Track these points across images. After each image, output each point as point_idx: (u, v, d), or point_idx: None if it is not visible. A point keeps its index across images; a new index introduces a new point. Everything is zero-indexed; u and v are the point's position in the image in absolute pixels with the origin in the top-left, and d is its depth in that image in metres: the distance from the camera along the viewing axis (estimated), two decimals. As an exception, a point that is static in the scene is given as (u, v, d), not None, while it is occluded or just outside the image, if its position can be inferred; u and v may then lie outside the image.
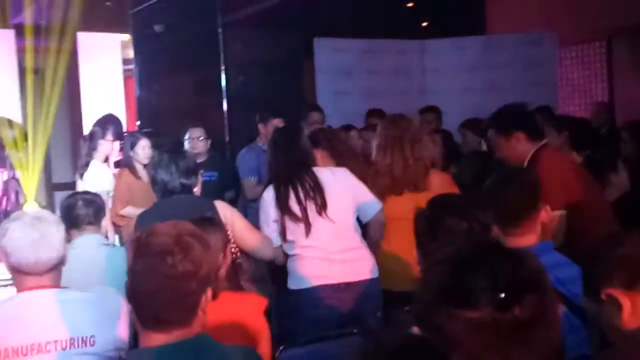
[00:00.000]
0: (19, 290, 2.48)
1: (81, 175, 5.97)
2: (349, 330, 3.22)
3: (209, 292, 1.87)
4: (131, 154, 5.71)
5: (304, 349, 2.95)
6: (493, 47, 8.65)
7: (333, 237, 3.88)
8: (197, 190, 3.73)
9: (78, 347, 2.37)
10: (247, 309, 2.72)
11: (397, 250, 4.02)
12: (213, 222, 2.81)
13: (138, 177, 5.71)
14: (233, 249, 3.54)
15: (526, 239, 2.52)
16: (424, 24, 10.65)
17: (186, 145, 6.12)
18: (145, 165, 5.72)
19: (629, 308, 1.72)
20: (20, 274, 2.45)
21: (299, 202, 3.86)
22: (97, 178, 5.86)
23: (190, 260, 1.80)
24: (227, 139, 8.05)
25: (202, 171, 4.04)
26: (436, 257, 1.39)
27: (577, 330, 2.27)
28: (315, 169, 4.00)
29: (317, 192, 3.88)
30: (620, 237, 1.86)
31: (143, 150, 5.71)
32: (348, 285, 3.81)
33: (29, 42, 10.73)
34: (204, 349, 1.85)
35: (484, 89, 8.45)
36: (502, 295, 1.25)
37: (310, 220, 3.86)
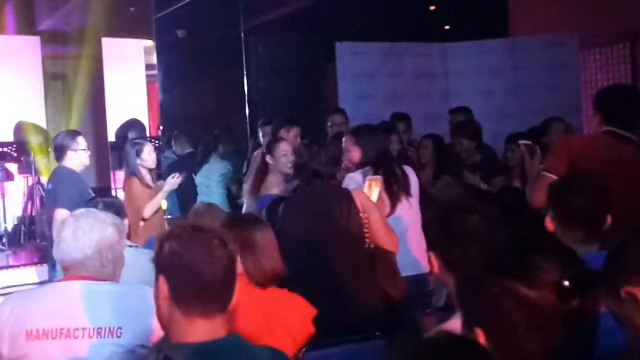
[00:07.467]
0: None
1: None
2: (371, 334, 3.22)
3: (238, 284, 1.94)
4: (138, 161, 5.71)
5: (328, 350, 2.96)
6: (515, 50, 8.61)
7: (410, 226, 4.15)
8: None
9: (105, 337, 2.44)
10: (294, 311, 2.83)
11: None
12: (257, 221, 2.96)
13: (147, 186, 5.75)
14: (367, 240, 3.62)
15: None
16: (447, 27, 10.64)
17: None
18: (151, 170, 5.80)
19: (647, 307, 1.71)
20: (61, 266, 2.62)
21: (390, 188, 4.13)
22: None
23: (232, 243, 1.90)
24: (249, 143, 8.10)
25: None
26: (494, 236, 1.42)
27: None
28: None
29: (406, 183, 4.24)
30: None
31: (150, 154, 5.74)
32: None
33: (54, 48, 10.92)
34: (235, 348, 1.89)
35: (507, 92, 8.42)
36: (567, 283, 1.27)
37: (397, 208, 4.16)
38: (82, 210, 2.72)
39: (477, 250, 1.42)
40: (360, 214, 3.58)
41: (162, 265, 1.89)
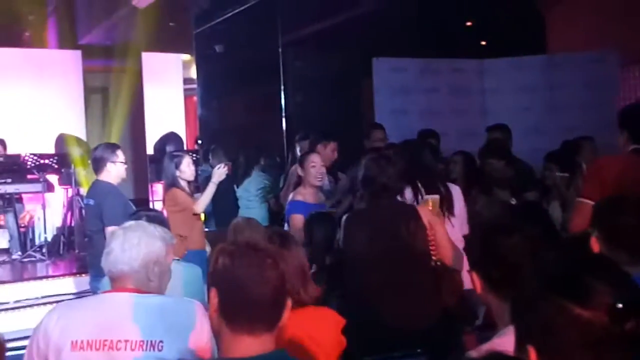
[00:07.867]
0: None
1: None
2: (413, 351, 3.21)
3: (289, 303, 1.93)
4: (177, 173, 5.76)
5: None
6: (552, 66, 8.56)
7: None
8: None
9: (147, 350, 2.43)
10: (324, 325, 2.77)
11: None
12: (279, 244, 2.85)
13: (190, 195, 5.78)
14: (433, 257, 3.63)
15: None
16: (483, 42, 10.60)
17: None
18: (189, 183, 5.83)
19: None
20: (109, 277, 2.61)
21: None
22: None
23: (283, 261, 1.92)
24: (287, 157, 8.15)
25: None
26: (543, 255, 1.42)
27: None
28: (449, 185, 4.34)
29: (449, 202, 4.21)
30: None
31: (189, 167, 5.78)
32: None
33: (95, 62, 11.11)
34: None
35: (544, 109, 8.37)
36: (620, 306, 1.27)
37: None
38: (131, 222, 2.70)
39: (530, 269, 1.43)
40: (427, 231, 3.59)
41: (215, 279, 1.91)
